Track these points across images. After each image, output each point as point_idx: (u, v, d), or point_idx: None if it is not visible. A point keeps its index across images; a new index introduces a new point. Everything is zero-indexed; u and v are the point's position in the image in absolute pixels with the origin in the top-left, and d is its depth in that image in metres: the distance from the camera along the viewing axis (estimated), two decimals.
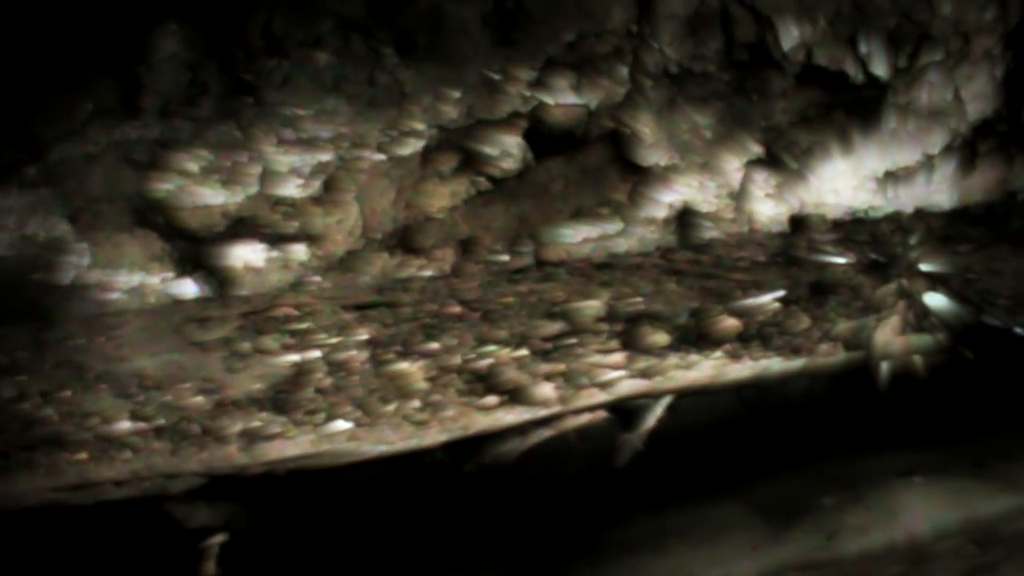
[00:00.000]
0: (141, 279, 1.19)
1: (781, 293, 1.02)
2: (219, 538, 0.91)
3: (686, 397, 1.11)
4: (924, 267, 1.15)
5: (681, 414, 1.12)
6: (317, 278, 1.17)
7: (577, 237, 1.24)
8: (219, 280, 1.18)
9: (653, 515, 1.00)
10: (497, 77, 1.19)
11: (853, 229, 1.25)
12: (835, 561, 0.96)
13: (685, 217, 1.25)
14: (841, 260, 1.14)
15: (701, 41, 1.25)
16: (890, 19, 1.29)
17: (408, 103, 1.16)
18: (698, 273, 1.11)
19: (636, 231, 1.22)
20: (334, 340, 1.00)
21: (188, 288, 1.20)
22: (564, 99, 1.21)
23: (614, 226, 1.23)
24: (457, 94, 1.17)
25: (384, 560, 0.96)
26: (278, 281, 1.17)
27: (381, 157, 1.15)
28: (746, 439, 1.13)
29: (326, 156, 1.14)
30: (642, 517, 0.99)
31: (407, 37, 1.16)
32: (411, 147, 1.18)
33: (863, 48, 1.28)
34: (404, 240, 1.19)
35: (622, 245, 1.23)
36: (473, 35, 1.18)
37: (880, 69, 1.29)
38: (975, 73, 1.33)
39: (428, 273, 1.19)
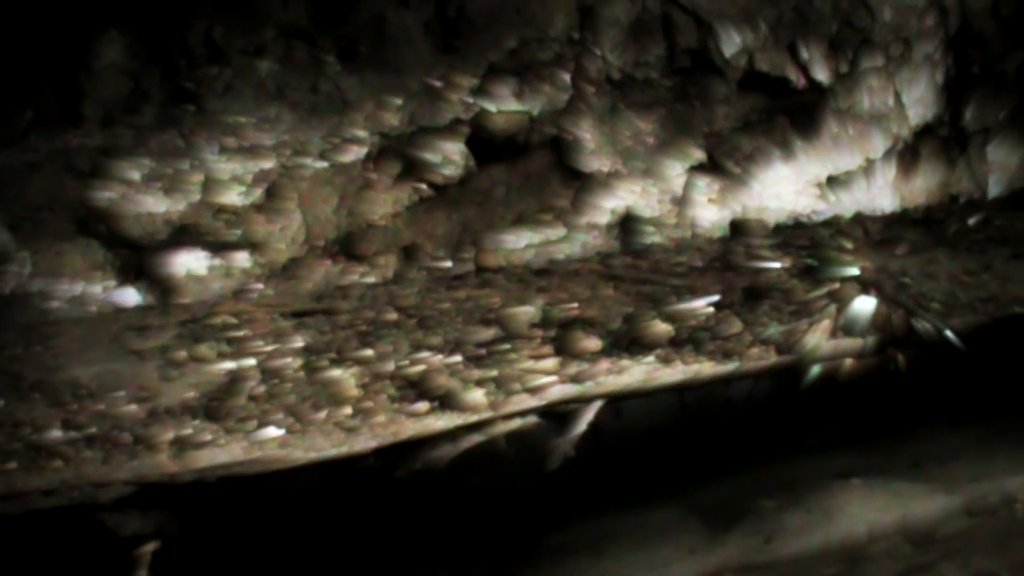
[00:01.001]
0: (83, 288, 1.19)
1: (715, 298, 1.02)
2: (151, 546, 0.91)
3: (628, 400, 1.11)
4: (857, 271, 1.16)
5: (623, 418, 1.12)
6: (260, 285, 1.17)
7: (520, 243, 1.24)
8: (162, 288, 1.18)
9: (593, 519, 1.00)
10: (439, 84, 1.19)
11: (792, 234, 1.25)
12: (772, 563, 0.96)
13: (628, 223, 1.25)
14: (776, 265, 1.14)
15: (643, 48, 1.25)
16: (831, 25, 1.30)
17: (350, 111, 1.16)
18: (635, 279, 1.11)
19: (579, 237, 1.22)
20: (270, 348, 0.99)
21: (130, 296, 1.20)
22: (506, 106, 1.21)
23: (557, 232, 1.23)
24: (399, 101, 1.17)
25: (316, 567, 0.96)
26: (221, 289, 1.16)
27: (323, 164, 1.15)
28: (687, 442, 1.14)
29: (268, 164, 1.14)
30: (582, 521, 0.99)
31: (349, 45, 1.16)
32: (353, 154, 1.18)
33: (804, 54, 1.29)
34: (347, 247, 1.19)
35: (565, 251, 1.24)
36: (415, 43, 1.18)
37: (821, 74, 1.29)
38: (916, 78, 1.34)
39: (371, 280, 1.18)
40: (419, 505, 0.91)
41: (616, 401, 0.99)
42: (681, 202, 1.22)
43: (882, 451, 1.12)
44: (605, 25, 1.16)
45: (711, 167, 1.25)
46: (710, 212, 1.25)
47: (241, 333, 0.96)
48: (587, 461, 1.03)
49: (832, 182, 1.33)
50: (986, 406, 1.20)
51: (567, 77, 1.16)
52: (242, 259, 1.11)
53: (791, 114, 1.30)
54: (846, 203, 1.30)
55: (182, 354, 0.92)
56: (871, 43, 1.34)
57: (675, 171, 1.22)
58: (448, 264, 1.15)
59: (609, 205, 1.20)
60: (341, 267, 1.14)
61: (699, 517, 0.98)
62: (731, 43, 1.22)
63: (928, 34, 1.38)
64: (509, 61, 1.14)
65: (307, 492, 0.87)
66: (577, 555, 0.94)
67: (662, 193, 1.22)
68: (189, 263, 1.11)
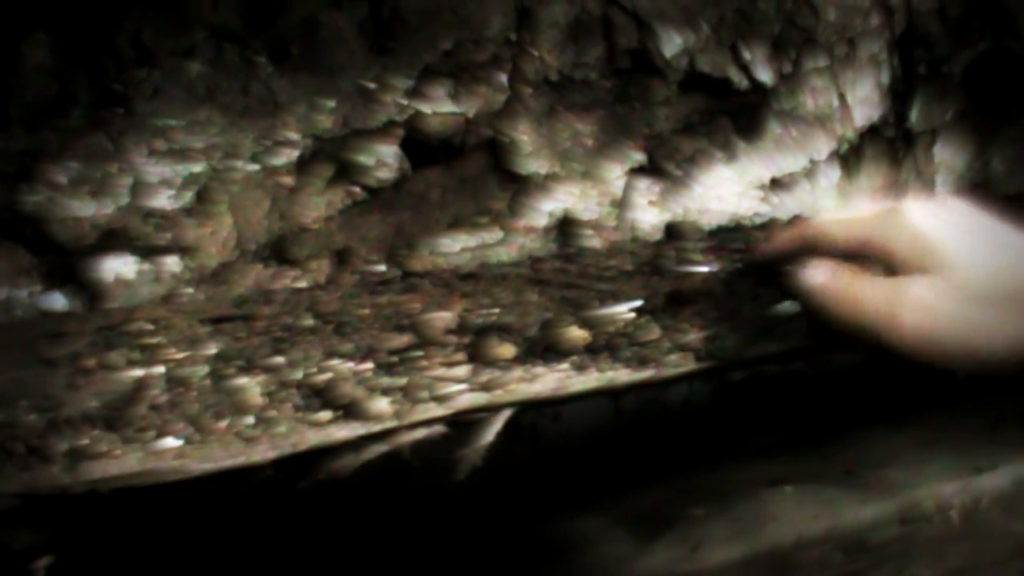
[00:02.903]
0: (8, 293, 1.16)
1: (636, 303, 0.99)
2: (46, 560, 0.88)
3: (567, 406, 1.08)
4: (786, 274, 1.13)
5: (561, 423, 1.09)
6: (190, 290, 1.14)
7: (455, 247, 1.21)
8: (89, 293, 1.15)
9: (517, 529, 0.97)
10: (372, 86, 1.16)
11: (726, 237, 1.22)
12: (697, 572, 0.93)
13: (566, 226, 1.22)
14: (706, 268, 1.11)
15: (582, 48, 1.22)
16: (775, 25, 1.27)
17: (282, 113, 1.13)
18: (562, 283, 1.08)
19: (516, 240, 1.19)
20: (181, 355, 0.96)
21: (57, 301, 1.17)
22: (441, 108, 1.17)
23: (493, 235, 1.20)
24: (332, 103, 1.14)
25: None
26: (149, 294, 1.13)
27: (255, 167, 1.12)
28: (621, 449, 1.11)
29: (198, 167, 1.11)
30: (505, 532, 0.96)
31: (281, 47, 1.13)
32: (285, 157, 1.15)
33: (746, 54, 1.26)
34: (278, 251, 1.16)
35: (502, 254, 1.21)
36: (348, 44, 1.15)
37: (764, 75, 1.26)
38: (861, 78, 1.31)
39: (303, 284, 1.15)
40: (320, 516, 0.89)
41: (529, 409, 0.96)
42: (621, 205, 1.19)
43: (817, 457, 1.09)
44: (543, 26, 1.13)
45: (651, 169, 1.22)
46: (650, 215, 1.22)
47: (155, 340, 0.92)
48: (512, 471, 1.00)
49: (775, 184, 1.30)
50: (924, 410, 1.18)
51: (504, 78, 1.13)
52: (172, 263, 1.08)
53: (733, 115, 1.27)
54: (789, 205, 1.27)
55: (92, 362, 0.88)
56: (815, 43, 1.31)
57: (614, 173, 1.19)
58: (382, 268, 1.12)
59: (547, 208, 1.16)
60: (273, 271, 1.10)
61: (627, 526, 0.96)
62: (672, 44, 1.19)
63: (873, 34, 1.35)
64: (444, 62, 1.11)
65: (205, 503, 0.84)
66: (496, 566, 0.91)
67: (601, 196, 1.19)
68: (117, 268, 1.08)
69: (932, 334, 0.71)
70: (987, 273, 0.71)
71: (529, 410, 0.89)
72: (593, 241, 1.18)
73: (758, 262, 0.84)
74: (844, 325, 0.76)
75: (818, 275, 0.77)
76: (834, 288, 0.76)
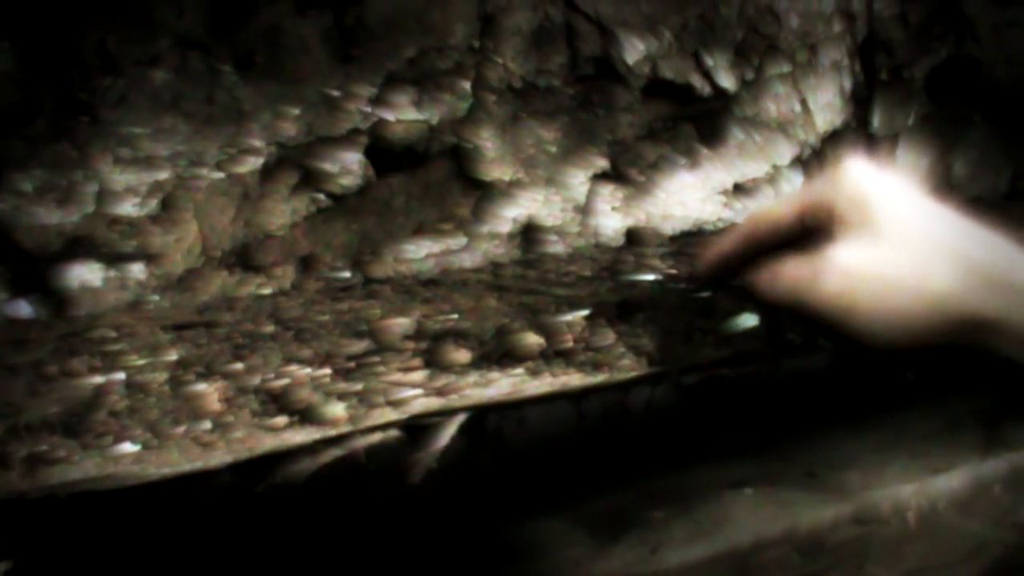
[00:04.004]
0: None
1: (592, 309, 1.00)
2: (4, 565, 0.89)
3: (530, 409, 1.09)
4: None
5: (525, 427, 1.10)
6: (155, 297, 1.15)
7: (420, 253, 1.22)
8: (55, 301, 1.16)
9: (476, 533, 0.98)
10: (336, 94, 1.17)
11: (686, 243, 1.24)
12: (656, 574, 0.95)
13: (529, 232, 1.24)
14: (663, 274, 1.13)
15: (545, 56, 1.24)
16: (737, 32, 1.28)
17: (247, 121, 1.14)
18: (521, 288, 1.09)
19: (480, 246, 1.21)
20: (142, 361, 0.97)
21: (22, 309, 1.18)
22: (405, 115, 1.19)
23: (457, 241, 1.21)
24: (296, 111, 1.15)
25: None
26: (115, 301, 1.14)
27: (220, 175, 1.13)
28: (583, 452, 1.12)
29: (163, 174, 1.12)
30: (464, 535, 0.98)
31: (246, 55, 1.15)
32: (250, 165, 1.16)
33: (709, 61, 1.27)
34: (244, 258, 1.17)
35: (466, 260, 1.22)
36: (312, 52, 1.16)
37: (727, 81, 1.28)
38: (823, 84, 1.33)
39: (267, 291, 1.17)
40: (277, 520, 0.90)
41: (494, 414, 0.97)
42: (584, 211, 1.21)
43: (778, 459, 1.11)
44: (506, 33, 1.15)
45: (615, 175, 1.24)
46: (614, 220, 1.23)
47: (117, 347, 0.93)
48: (473, 474, 1.01)
49: (738, 189, 1.32)
50: (883, 412, 1.19)
51: (467, 86, 1.15)
52: (137, 271, 1.09)
53: (696, 122, 1.29)
54: (752, 210, 1.28)
55: (54, 368, 0.90)
56: (777, 50, 1.33)
57: (578, 179, 1.20)
58: (347, 274, 1.13)
59: (511, 214, 1.18)
60: (238, 278, 1.12)
61: (586, 528, 0.97)
62: (634, 51, 1.21)
63: (835, 40, 1.37)
64: (408, 70, 1.12)
65: (162, 508, 0.85)
66: (453, 569, 0.92)
67: (565, 202, 1.20)
68: (83, 275, 1.09)
69: (853, 298, 0.72)
70: (911, 239, 0.73)
71: (493, 415, 0.90)
72: (556, 247, 1.19)
73: (706, 271, 0.86)
74: (790, 310, 0.78)
75: (762, 277, 0.79)
76: (776, 284, 0.77)
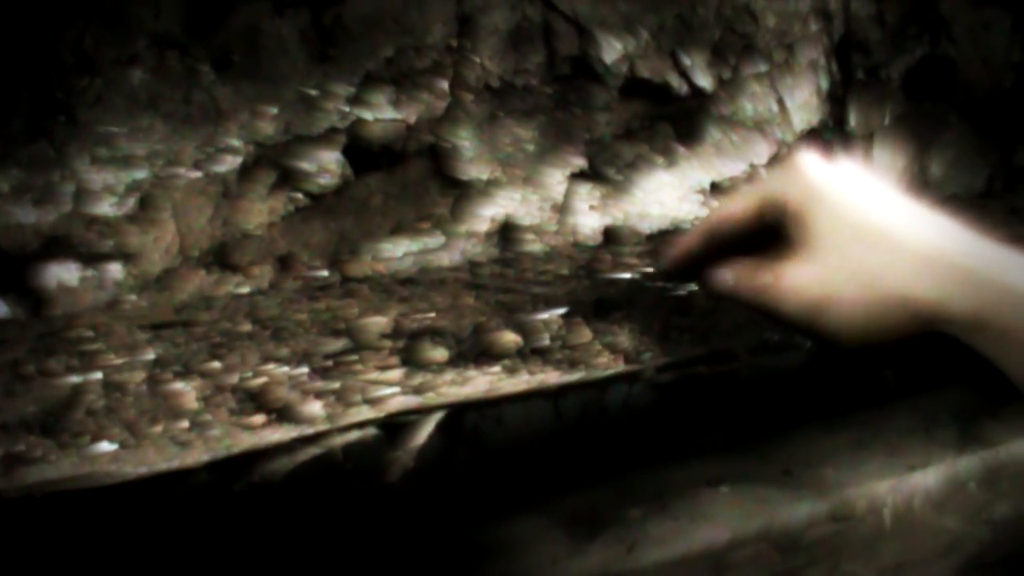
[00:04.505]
0: None
1: (569, 307, 1.01)
2: None
3: (508, 408, 1.10)
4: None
5: (497, 429, 1.11)
6: (133, 297, 1.15)
7: (398, 252, 1.23)
8: (32, 300, 1.16)
9: (455, 531, 0.99)
10: (314, 93, 1.17)
11: (662, 241, 1.25)
12: (633, 571, 0.95)
13: (507, 231, 1.25)
14: (640, 272, 1.14)
15: (523, 55, 1.24)
16: (714, 31, 1.29)
17: (225, 120, 1.15)
18: (498, 287, 1.10)
19: (458, 245, 1.22)
20: (120, 361, 0.98)
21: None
22: (383, 114, 1.19)
23: (435, 240, 1.22)
24: (274, 111, 1.16)
25: None
26: (93, 300, 1.15)
27: (197, 174, 1.14)
28: (561, 451, 1.13)
29: (141, 174, 1.12)
30: (442, 534, 0.98)
31: (224, 54, 1.15)
32: (228, 164, 1.16)
33: (686, 60, 1.28)
34: (221, 257, 1.18)
35: (444, 259, 1.23)
36: (290, 52, 1.17)
37: (704, 81, 1.29)
38: (800, 83, 1.34)
39: (245, 290, 1.17)
40: (255, 518, 0.90)
41: (472, 412, 0.98)
42: (562, 209, 1.22)
43: (755, 457, 1.12)
44: (484, 33, 1.16)
45: (592, 174, 1.25)
46: (591, 219, 1.24)
47: (94, 346, 0.94)
48: (461, 471, 1.02)
49: (716, 188, 1.33)
50: (860, 410, 1.20)
51: (445, 85, 1.15)
52: (115, 270, 1.10)
53: (673, 121, 1.30)
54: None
55: (31, 368, 0.90)
56: (754, 49, 1.34)
57: (555, 178, 1.21)
58: (324, 273, 1.13)
59: (488, 213, 1.19)
60: (216, 277, 1.12)
61: (564, 527, 0.98)
62: (612, 50, 1.22)
63: (812, 39, 1.38)
64: (386, 69, 1.13)
65: (140, 506, 0.86)
66: (429, 567, 0.93)
67: (542, 200, 1.21)
68: (60, 274, 1.09)
69: (812, 310, 0.74)
70: (864, 236, 0.74)
71: (471, 413, 0.91)
72: (534, 246, 1.20)
73: (671, 268, 0.87)
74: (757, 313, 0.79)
75: (724, 276, 0.80)
76: (740, 285, 0.79)
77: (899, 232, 0.78)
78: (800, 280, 0.77)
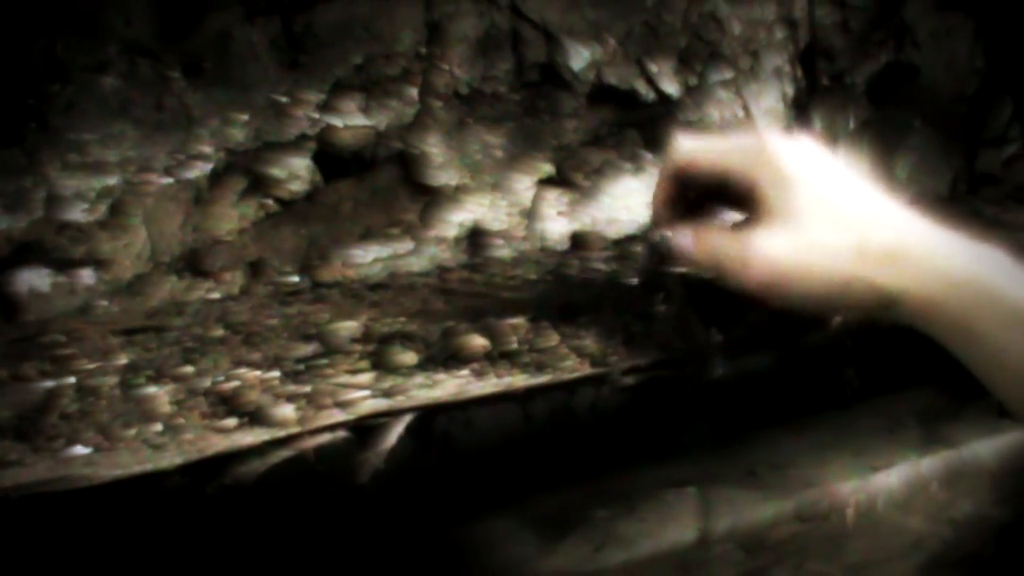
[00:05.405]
0: None
1: (536, 311, 1.04)
2: None
3: (478, 411, 1.12)
4: (682, 282, 1.18)
5: (467, 432, 1.13)
6: (104, 302, 1.17)
7: (367, 257, 1.25)
8: (5, 306, 1.18)
9: (425, 534, 1.01)
10: (285, 100, 1.19)
11: (628, 247, 1.27)
12: (601, 571, 0.98)
13: (476, 236, 1.27)
14: (606, 277, 1.16)
15: (492, 62, 1.27)
16: (680, 38, 1.32)
17: (196, 127, 1.17)
18: (467, 292, 1.12)
19: (427, 250, 1.24)
20: (93, 365, 0.99)
21: None
22: (352, 121, 1.22)
23: (405, 246, 1.24)
24: (245, 117, 1.18)
25: None
26: (65, 306, 1.16)
27: (169, 180, 1.16)
28: (531, 453, 1.15)
29: (112, 180, 1.14)
30: (412, 536, 1.01)
31: (195, 61, 1.17)
32: (199, 170, 1.18)
33: (653, 67, 1.31)
34: (192, 263, 1.20)
35: (413, 265, 1.25)
36: (261, 59, 1.19)
37: (670, 87, 1.32)
38: (765, 90, 1.36)
39: (216, 295, 1.19)
40: (228, 520, 0.92)
41: (442, 416, 1.01)
42: (530, 215, 1.24)
43: (720, 459, 1.14)
44: (453, 40, 1.18)
45: (560, 180, 1.27)
46: (559, 225, 1.27)
47: (67, 351, 0.96)
48: (432, 474, 1.04)
49: None
50: (825, 412, 1.23)
51: (414, 92, 1.18)
52: (86, 276, 1.11)
53: (640, 127, 1.33)
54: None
55: (3, 373, 0.92)
56: (720, 56, 1.37)
57: (524, 184, 1.24)
58: (295, 279, 1.16)
59: (457, 219, 1.21)
60: (187, 283, 1.14)
61: (533, 528, 1.00)
62: (579, 57, 1.24)
63: (777, 47, 1.41)
64: (356, 76, 1.15)
65: (114, 509, 0.88)
66: (400, 568, 0.95)
67: (511, 206, 1.24)
68: (32, 280, 1.11)
69: (775, 281, 0.76)
70: (827, 216, 0.77)
71: (442, 416, 0.93)
72: (502, 251, 1.22)
73: (655, 222, 0.89)
74: (715, 277, 0.82)
75: (683, 238, 0.83)
76: (697, 247, 0.82)
77: (868, 217, 0.81)
78: (768, 252, 0.80)
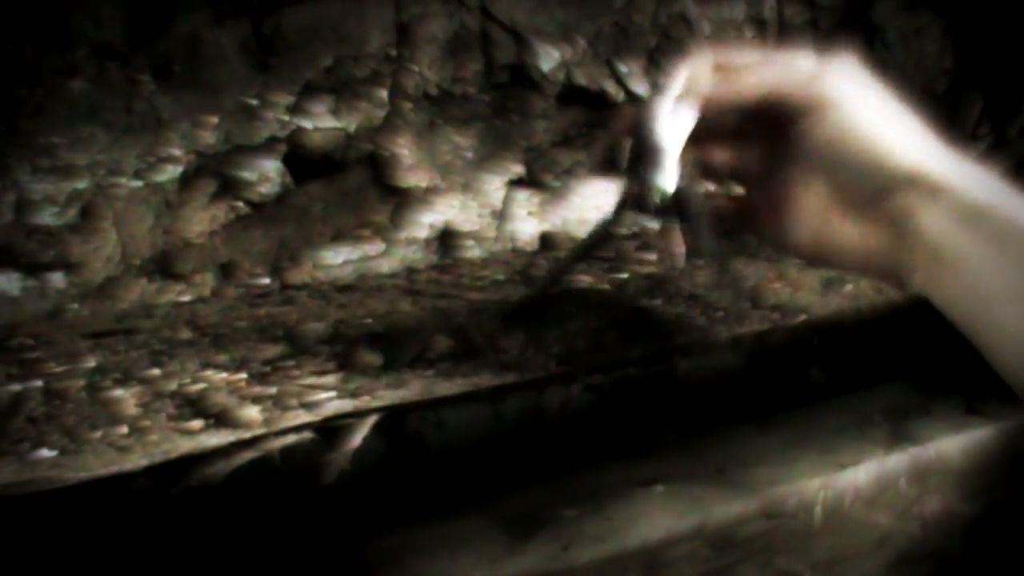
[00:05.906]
0: None
1: (504, 311, 1.05)
2: None
3: (449, 411, 1.13)
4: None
5: (439, 433, 1.14)
6: (75, 306, 1.17)
7: (338, 259, 1.25)
8: None
9: (395, 532, 1.02)
10: (255, 103, 1.20)
11: (599, 247, 1.28)
12: (569, 570, 0.98)
13: (446, 238, 1.28)
14: (572, 276, 1.17)
15: (461, 63, 1.28)
16: (650, 39, 1.33)
17: (165, 130, 1.17)
18: (435, 293, 1.13)
19: (398, 252, 1.25)
20: (60, 369, 1.00)
21: None
22: (322, 123, 1.22)
23: (375, 247, 1.25)
24: (215, 120, 1.18)
25: None
26: (34, 310, 1.17)
27: (139, 184, 1.16)
28: (500, 453, 1.16)
29: (82, 183, 1.14)
30: (383, 535, 1.01)
31: (164, 64, 1.17)
32: (169, 173, 1.19)
33: (623, 68, 1.32)
34: (163, 265, 1.20)
35: (383, 266, 1.26)
36: (230, 61, 1.19)
37: (640, 87, 1.32)
38: None
39: (187, 298, 1.20)
40: (194, 521, 0.93)
41: (413, 417, 1.01)
42: (500, 216, 1.25)
43: (688, 457, 1.15)
44: (422, 42, 1.19)
45: (531, 181, 1.28)
46: (529, 225, 1.27)
47: (35, 355, 0.96)
48: (391, 475, 1.05)
49: None
50: (794, 409, 1.24)
51: (384, 94, 1.18)
52: (57, 279, 1.12)
53: (610, 128, 1.33)
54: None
55: None
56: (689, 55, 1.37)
57: (494, 185, 1.25)
58: (266, 281, 1.16)
59: (428, 220, 1.22)
60: (158, 286, 1.15)
61: (501, 527, 1.01)
62: (549, 58, 1.25)
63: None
64: (325, 79, 1.16)
65: (80, 511, 0.89)
66: (377, 567, 0.96)
67: (481, 207, 1.24)
68: (2, 284, 1.11)
69: (815, 242, 0.76)
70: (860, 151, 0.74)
71: (413, 417, 0.94)
72: (473, 252, 1.23)
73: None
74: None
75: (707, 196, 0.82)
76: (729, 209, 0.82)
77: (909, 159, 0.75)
78: (803, 212, 0.77)
